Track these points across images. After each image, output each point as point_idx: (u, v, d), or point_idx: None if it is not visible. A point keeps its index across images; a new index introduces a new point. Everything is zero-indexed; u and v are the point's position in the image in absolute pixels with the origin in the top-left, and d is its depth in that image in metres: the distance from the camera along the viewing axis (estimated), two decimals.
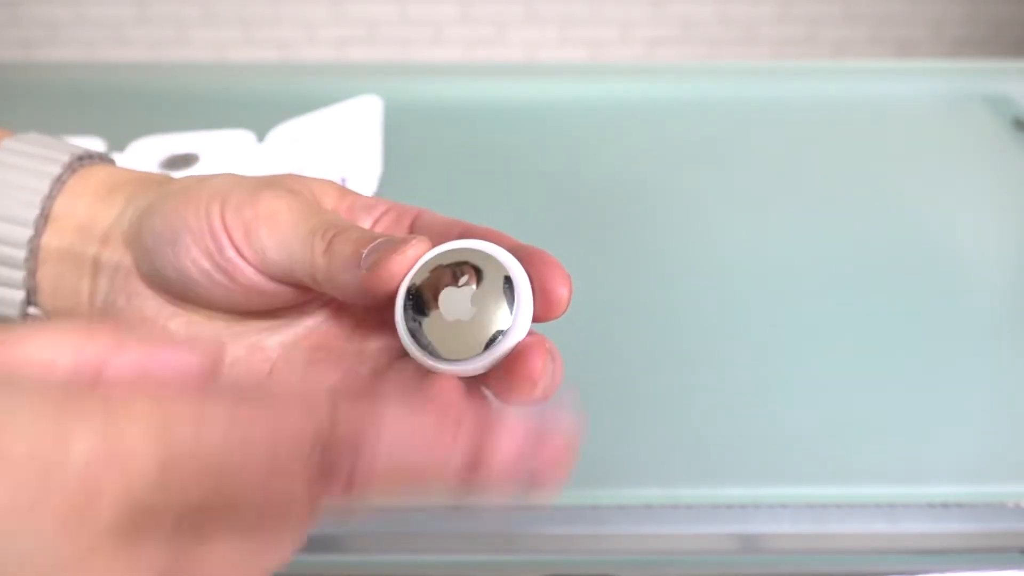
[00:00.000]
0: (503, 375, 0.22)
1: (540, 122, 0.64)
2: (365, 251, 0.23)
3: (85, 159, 0.29)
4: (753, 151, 0.62)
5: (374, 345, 0.26)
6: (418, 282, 0.23)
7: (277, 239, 0.24)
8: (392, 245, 0.23)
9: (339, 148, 0.59)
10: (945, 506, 0.40)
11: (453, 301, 0.23)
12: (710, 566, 0.39)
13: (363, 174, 0.57)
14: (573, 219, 0.55)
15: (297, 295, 0.26)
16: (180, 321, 0.27)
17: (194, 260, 0.25)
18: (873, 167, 0.61)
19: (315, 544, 0.39)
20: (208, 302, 0.26)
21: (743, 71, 0.71)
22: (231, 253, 0.25)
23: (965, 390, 0.45)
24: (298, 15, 1.77)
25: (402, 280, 0.23)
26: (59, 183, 0.27)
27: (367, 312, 0.27)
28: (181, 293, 0.26)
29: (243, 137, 0.60)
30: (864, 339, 0.48)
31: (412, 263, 0.23)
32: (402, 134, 0.61)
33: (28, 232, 0.27)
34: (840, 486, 0.41)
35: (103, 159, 0.30)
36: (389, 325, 0.25)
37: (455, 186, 0.58)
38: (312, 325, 0.27)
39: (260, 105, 0.63)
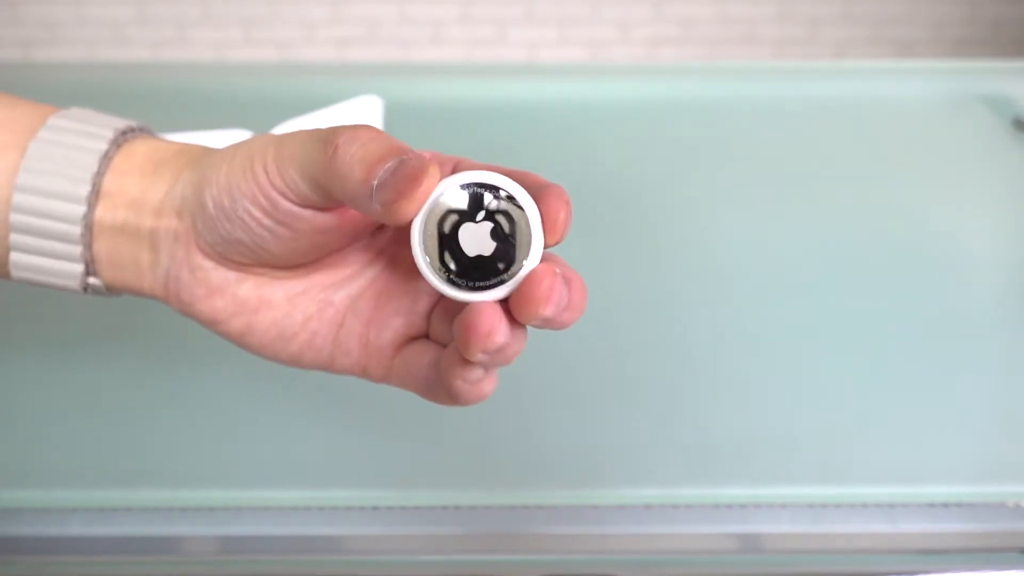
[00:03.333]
0: (518, 297, 0.25)
1: (540, 122, 0.64)
2: (375, 181, 0.24)
3: (128, 132, 0.30)
4: (753, 151, 0.62)
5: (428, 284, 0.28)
6: (436, 214, 0.25)
7: (298, 168, 0.25)
8: (402, 181, 0.24)
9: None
10: (945, 506, 0.40)
11: (471, 236, 0.25)
12: (710, 566, 0.39)
13: None
14: (573, 219, 0.55)
15: (355, 222, 0.27)
16: (249, 285, 0.28)
17: (257, 220, 0.26)
18: (873, 167, 0.61)
19: (315, 544, 0.39)
20: (278, 258, 0.27)
21: (743, 71, 0.71)
22: (285, 205, 0.26)
23: (965, 390, 0.45)
24: (298, 15, 1.76)
25: (418, 212, 0.25)
26: (106, 159, 0.29)
27: None
28: (252, 255, 0.27)
29: (243, 137, 0.60)
30: (864, 339, 0.48)
31: (424, 201, 0.24)
32: (402, 134, 0.61)
33: (82, 208, 0.28)
34: (840, 486, 0.41)
35: (143, 130, 0.31)
36: None
37: None
38: (372, 276, 0.29)
39: (260, 105, 0.63)
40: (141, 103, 0.65)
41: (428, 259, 0.25)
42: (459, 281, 0.25)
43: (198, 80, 0.68)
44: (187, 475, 0.41)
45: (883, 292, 0.51)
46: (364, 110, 0.62)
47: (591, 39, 1.82)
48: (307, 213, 0.26)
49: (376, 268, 0.29)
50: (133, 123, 0.30)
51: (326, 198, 0.25)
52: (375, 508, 0.40)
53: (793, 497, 0.40)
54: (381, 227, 0.29)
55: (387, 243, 0.29)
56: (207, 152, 0.29)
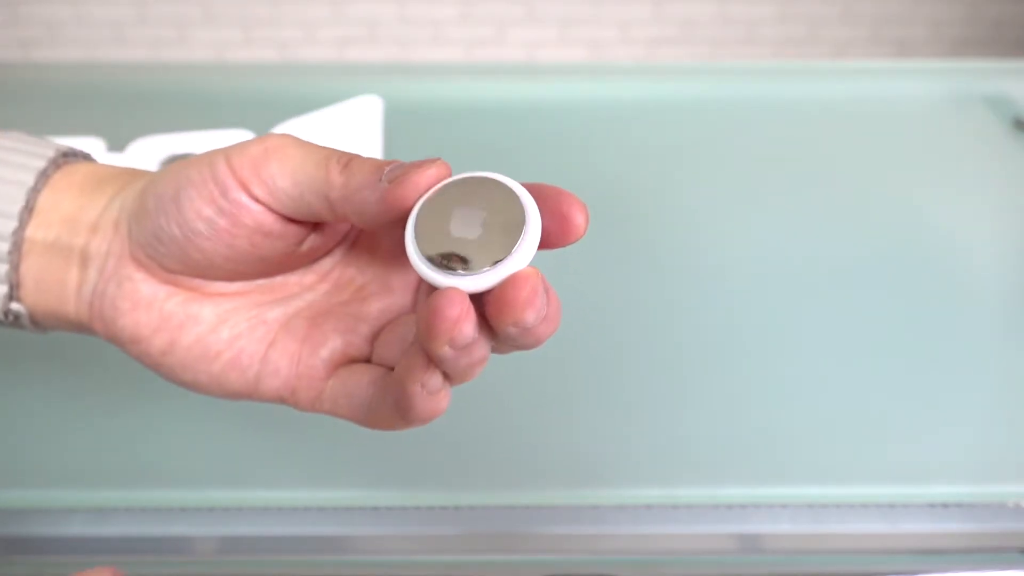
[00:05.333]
0: (496, 298, 0.23)
1: (540, 122, 0.64)
2: (387, 169, 0.24)
3: (69, 156, 0.29)
4: (753, 151, 0.62)
5: (375, 307, 0.27)
6: (433, 200, 0.24)
7: (288, 166, 0.25)
8: (415, 164, 0.24)
9: (339, 148, 0.59)
10: (945, 506, 0.40)
11: (464, 221, 0.23)
12: (710, 566, 0.39)
13: None
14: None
15: (301, 236, 0.26)
16: (175, 301, 0.27)
17: (197, 210, 0.25)
18: (873, 167, 0.61)
19: (315, 544, 0.39)
20: (210, 261, 0.26)
21: (743, 71, 0.71)
22: (235, 194, 0.25)
23: (965, 390, 0.45)
24: (298, 15, 1.77)
25: (421, 196, 0.24)
26: (43, 176, 0.27)
27: (367, 281, 0.27)
28: (181, 256, 0.26)
29: (243, 137, 0.60)
30: (864, 339, 0.48)
31: (434, 181, 0.24)
32: (402, 134, 0.61)
33: (12, 224, 0.27)
34: (840, 486, 0.41)
35: (86, 157, 0.30)
36: (389, 290, 0.27)
37: None
38: (312, 299, 0.28)
39: (260, 105, 0.63)
40: (141, 103, 0.65)
41: (416, 242, 0.24)
42: (439, 263, 0.23)
43: (198, 80, 0.68)
44: (187, 475, 0.41)
45: (883, 292, 0.51)
46: (364, 110, 0.62)
47: (591, 39, 1.82)
48: (256, 207, 0.25)
49: (317, 292, 0.28)
50: (78, 150, 0.29)
51: (302, 209, 0.25)
52: (375, 508, 0.40)
53: (793, 497, 0.40)
54: (327, 253, 0.28)
55: (333, 266, 0.28)
56: (152, 172, 0.28)
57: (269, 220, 0.25)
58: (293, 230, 0.26)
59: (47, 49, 1.78)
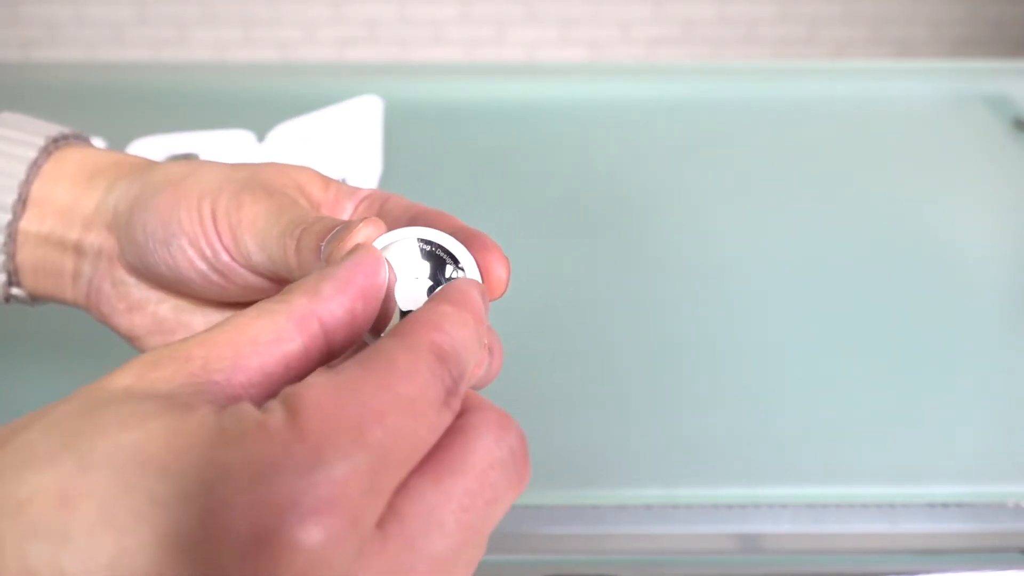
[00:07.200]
0: None
1: (540, 122, 0.64)
2: (323, 244, 0.23)
3: (60, 140, 0.29)
4: (753, 151, 0.62)
5: None
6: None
7: (257, 243, 0.24)
8: (341, 235, 0.22)
9: (339, 148, 0.59)
10: (945, 506, 0.40)
11: (409, 291, 0.23)
12: (710, 566, 0.39)
13: (363, 174, 0.57)
14: (573, 219, 0.56)
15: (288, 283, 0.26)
16: (167, 306, 0.28)
17: (190, 261, 0.25)
18: (873, 167, 0.61)
19: None
20: (200, 296, 0.27)
21: (743, 71, 0.71)
22: (225, 258, 0.25)
23: (965, 390, 0.45)
24: (298, 15, 1.77)
25: None
26: (35, 167, 0.28)
27: None
28: (172, 287, 0.26)
29: (243, 137, 0.60)
30: (864, 339, 0.48)
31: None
32: (402, 134, 0.61)
33: (7, 217, 0.27)
34: (840, 486, 0.41)
35: (78, 138, 0.30)
36: None
37: (455, 186, 0.58)
38: None
39: (260, 105, 0.63)
40: (141, 103, 0.65)
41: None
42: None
43: (198, 80, 0.68)
44: None
45: (883, 292, 0.51)
46: (364, 110, 0.62)
47: (591, 39, 1.82)
48: (242, 271, 0.25)
49: None
50: (67, 130, 0.29)
51: (281, 277, 0.25)
52: None
53: (793, 497, 0.40)
54: None
55: None
56: (149, 166, 0.28)
57: (256, 279, 0.25)
58: (284, 283, 0.26)
59: (47, 49, 1.78)
